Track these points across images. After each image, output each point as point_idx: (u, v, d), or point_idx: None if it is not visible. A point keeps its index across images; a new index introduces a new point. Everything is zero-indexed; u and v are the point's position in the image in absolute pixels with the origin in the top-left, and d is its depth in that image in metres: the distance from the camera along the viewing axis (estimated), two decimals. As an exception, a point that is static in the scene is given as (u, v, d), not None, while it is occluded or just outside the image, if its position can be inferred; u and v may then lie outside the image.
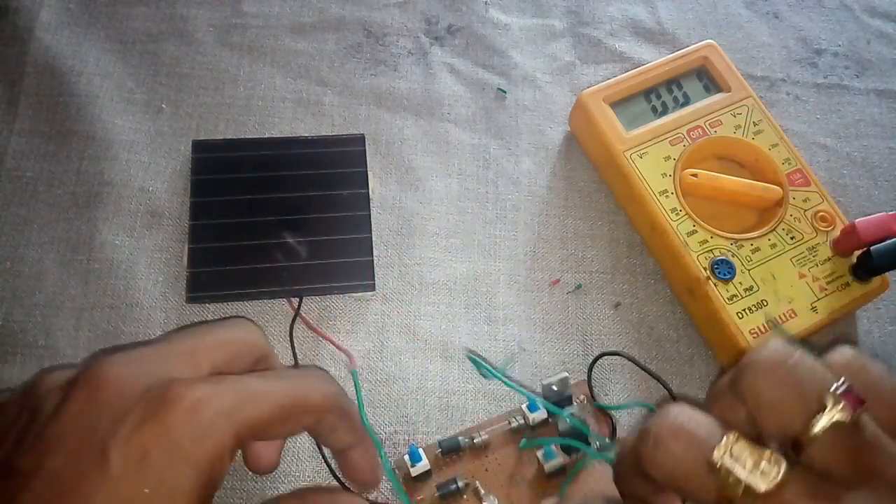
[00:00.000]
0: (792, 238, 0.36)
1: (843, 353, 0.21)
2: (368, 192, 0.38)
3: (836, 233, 0.37)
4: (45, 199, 0.38)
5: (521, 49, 0.44)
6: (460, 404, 0.35)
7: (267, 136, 0.40)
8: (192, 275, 0.35)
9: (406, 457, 0.31)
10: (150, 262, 0.37)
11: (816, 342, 0.37)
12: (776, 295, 0.35)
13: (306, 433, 0.25)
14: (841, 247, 0.36)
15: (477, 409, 0.35)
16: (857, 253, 0.36)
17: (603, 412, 0.34)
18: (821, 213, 0.37)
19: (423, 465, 0.31)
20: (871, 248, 0.34)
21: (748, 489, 0.18)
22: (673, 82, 0.40)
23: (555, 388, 0.32)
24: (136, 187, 0.38)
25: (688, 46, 0.41)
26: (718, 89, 0.40)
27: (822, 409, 0.19)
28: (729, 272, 0.35)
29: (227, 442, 0.21)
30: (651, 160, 0.38)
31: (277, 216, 0.37)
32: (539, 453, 0.32)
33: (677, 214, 0.36)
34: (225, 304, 0.36)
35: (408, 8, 0.45)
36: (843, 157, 0.43)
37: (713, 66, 0.40)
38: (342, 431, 0.25)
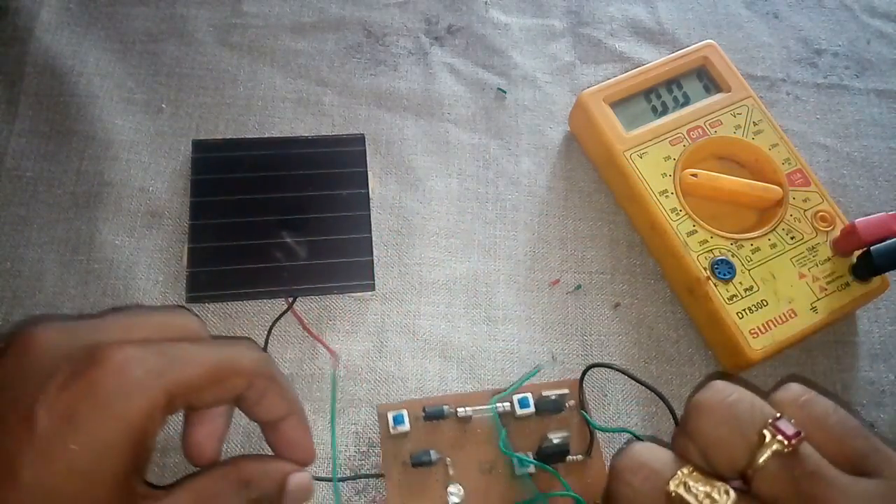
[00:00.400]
0: (792, 238, 0.36)
1: (789, 390, 0.22)
2: (368, 192, 0.38)
3: (836, 233, 0.37)
4: (45, 199, 0.38)
5: (521, 49, 0.44)
6: (460, 404, 0.35)
7: (267, 136, 0.40)
8: (192, 274, 0.35)
9: (390, 415, 0.32)
10: (150, 262, 0.37)
11: (814, 343, 0.37)
12: (776, 295, 0.35)
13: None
14: (841, 247, 0.36)
15: (477, 409, 0.35)
16: (857, 253, 0.36)
17: (586, 422, 0.34)
18: (821, 213, 0.37)
19: (404, 428, 0.32)
20: (871, 248, 0.34)
21: None
22: (673, 82, 0.40)
23: (553, 398, 0.33)
24: (136, 187, 0.38)
25: (688, 46, 0.41)
26: (718, 89, 0.40)
27: (763, 442, 0.20)
28: (729, 272, 0.35)
29: (157, 400, 0.21)
30: (651, 160, 0.38)
31: (277, 216, 0.37)
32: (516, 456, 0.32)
33: (677, 214, 0.36)
34: (225, 303, 0.36)
35: (408, 8, 0.45)
36: (843, 157, 0.43)
37: (713, 66, 0.40)
38: (272, 397, 0.25)
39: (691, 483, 0.20)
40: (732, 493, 0.20)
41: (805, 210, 0.37)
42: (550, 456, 0.32)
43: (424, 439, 0.32)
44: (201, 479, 0.24)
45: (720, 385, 0.22)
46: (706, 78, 0.40)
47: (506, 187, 0.40)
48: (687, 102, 0.40)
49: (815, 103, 0.44)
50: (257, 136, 0.40)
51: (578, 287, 0.38)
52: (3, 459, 0.19)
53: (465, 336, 0.36)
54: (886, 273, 0.35)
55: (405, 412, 0.32)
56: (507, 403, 0.33)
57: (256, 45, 0.43)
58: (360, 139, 0.39)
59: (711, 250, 0.36)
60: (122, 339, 0.22)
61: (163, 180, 0.39)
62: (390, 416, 0.32)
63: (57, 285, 0.36)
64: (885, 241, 0.34)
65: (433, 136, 0.41)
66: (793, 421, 0.21)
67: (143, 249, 0.37)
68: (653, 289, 0.38)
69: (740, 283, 0.35)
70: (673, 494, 0.20)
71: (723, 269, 0.35)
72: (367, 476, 0.33)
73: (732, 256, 0.36)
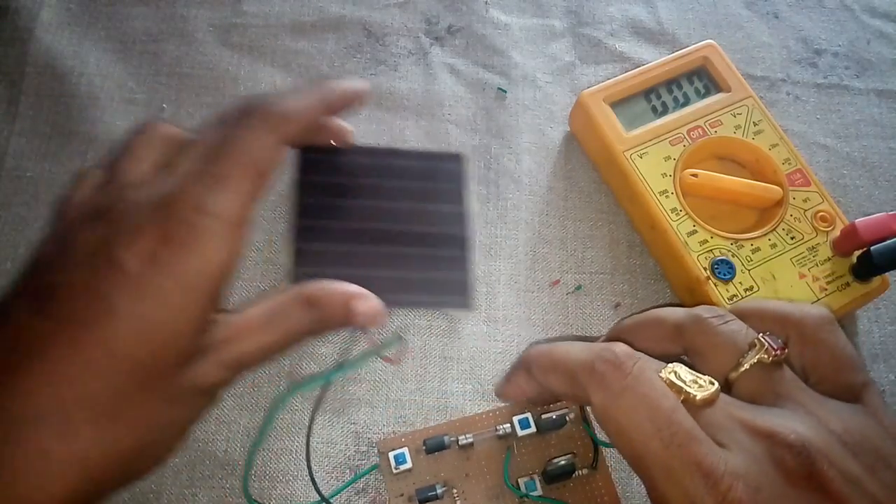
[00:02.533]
0: (792, 238, 0.36)
1: (820, 312, 0.26)
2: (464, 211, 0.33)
3: (836, 233, 0.37)
4: (45, 200, 0.38)
5: (521, 49, 0.44)
6: (458, 405, 0.35)
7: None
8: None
9: (391, 455, 0.31)
10: (150, 262, 0.37)
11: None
12: (776, 295, 0.35)
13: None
14: (841, 247, 0.36)
15: (474, 411, 0.34)
16: (858, 253, 0.36)
17: (588, 435, 0.33)
18: (821, 213, 0.37)
19: (407, 466, 0.31)
20: (872, 248, 0.34)
21: (688, 398, 0.23)
22: (673, 82, 0.40)
23: (553, 417, 0.32)
24: (136, 187, 0.38)
25: (688, 46, 0.41)
26: (718, 89, 0.40)
27: (752, 347, 0.24)
28: (729, 272, 0.35)
29: (232, 242, 0.24)
30: (651, 160, 0.38)
31: (374, 224, 0.33)
32: (522, 481, 0.32)
33: (677, 214, 0.36)
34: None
35: (408, 8, 0.45)
36: (843, 157, 0.43)
37: (713, 66, 0.40)
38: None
39: (681, 372, 0.23)
40: (716, 383, 0.23)
41: (805, 210, 0.37)
42: (557, 476, 0.32)
43: (428, 473, 0.32)
44: (269, 300, 0.26)
45: (718, 308, 0.26)
46: (706, 78, 0.40)
47: (506, 187, 0.40)
48: (687, 102, 0.40)
49: (815, 103, 0.44)
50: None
51: (579, 287, 0.38)
52: (100, 298, 0.22)
53: (465, 336, 0.36)
54: (886, 273, 0.36)
55: (406, 450, 0.32)
56: (508, 425, 0.32)
57: (256, 44, 0.43)
58: (457, 158, 0.34)
59: (711, 250, 0.36)
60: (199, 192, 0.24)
61: (163, 180, 0.39)
62: (392, 456, 0.31)
63: (57, 285, 0.36)
64: (885, 241, 0.34)
65: (433, 136, 0.41)
66: (781, 339, 0.24)
67: (144, 249, 0.37)
68: (653, 289, 0.38)
69: (740, 283, 0.35)
70: (665, 380, 0.23)
71: (723, 270, 0.35)
72: None
73: (732, 256, 0.36)
